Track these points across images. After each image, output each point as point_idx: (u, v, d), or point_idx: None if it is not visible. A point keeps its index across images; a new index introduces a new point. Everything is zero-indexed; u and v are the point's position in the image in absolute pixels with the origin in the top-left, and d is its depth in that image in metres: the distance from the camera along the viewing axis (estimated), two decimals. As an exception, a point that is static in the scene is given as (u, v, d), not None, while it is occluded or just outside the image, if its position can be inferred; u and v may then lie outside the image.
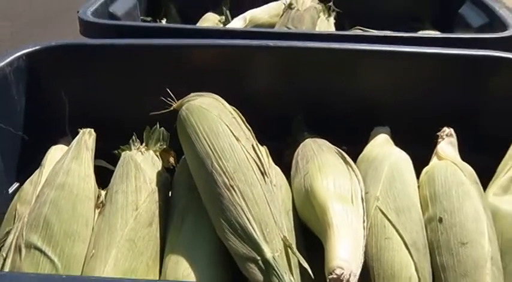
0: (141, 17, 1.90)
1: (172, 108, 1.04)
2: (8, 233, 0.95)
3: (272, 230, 0.84)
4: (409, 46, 1.26)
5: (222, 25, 1.93)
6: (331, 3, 1.91)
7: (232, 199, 0.86)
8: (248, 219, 0.84)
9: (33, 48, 1.22)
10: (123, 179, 1.01)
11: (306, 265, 0.82)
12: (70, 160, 1.04)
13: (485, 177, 1.09)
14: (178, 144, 1.04)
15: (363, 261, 0.82)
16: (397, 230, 0.92)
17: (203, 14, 2.00)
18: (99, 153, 1.13)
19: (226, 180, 0.88)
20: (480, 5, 1.66)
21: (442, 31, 1.82)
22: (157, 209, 0.97)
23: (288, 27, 1.65)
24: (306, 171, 0.98)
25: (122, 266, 0.87)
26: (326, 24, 1.83)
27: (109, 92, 1.28)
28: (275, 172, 1.03)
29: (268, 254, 0.81)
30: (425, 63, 1.26)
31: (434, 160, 1.10)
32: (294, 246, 0.85)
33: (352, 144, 1.13)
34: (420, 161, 1.10)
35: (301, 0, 1.77)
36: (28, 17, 5.38)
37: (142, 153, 1.09)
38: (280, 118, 1.25)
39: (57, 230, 0.91)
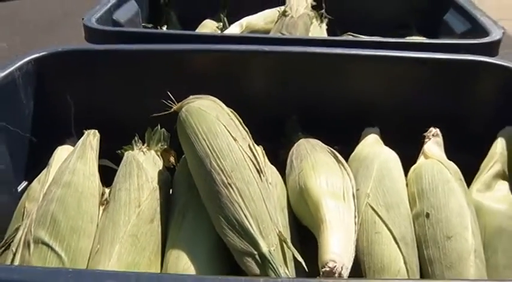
0: (143, 24, 1.89)
1: (172, 110, 1.03)
2: (17, 229, 0.95)
3: (268, 226, 0.84)
4: (397, 51, 1.26)
5: (219, 31, 1.92)
6: (323, 11, 1.90)
7: (230, 196, 0.86)
8: (245, 216, 0.84)
9: (41, 54, 1.22)
10: (126, 177, 1.00)
11: (300, 259, 0.82)
12: (76, 160, 1.04)
13: (469, 174, 1.10)
14: (178, 145, 1.03)
15: (354, 254, 0.82)
16: (386, 225, 0.92)
17: (202, 21, 1.99)
18: (103, 153, 1.13)
19: (224, 178, 0.88)
20: (463, 13, 1.67)
21: (428, 37, 1.82)
22: (159, 206, 0.97)
23: (282, 33, 1.64)
24: (300, 170, 0.98)
25: (125, 260, 0.87)
26: (318, 31, 1.82)
27: (112, 94, 1.28)
28: (271, 171, 1.03)
29: (265, 249, 0.81)
30: (412, 67, 1.26)
31: (421, 159, 1.10)
32: (288, 241, 0.85)
33: (344, 144, 1.14)
34: (408, 160, 1.10)
35: (295, 7, 1.76)
36: (34, 22, 5.37)
37: (144, 153, 1.08)
38: (275, 119, 1.24)
39: (63, 226, 0.91)
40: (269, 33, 1.73)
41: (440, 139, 1.13)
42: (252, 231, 0.82)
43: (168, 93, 1.04)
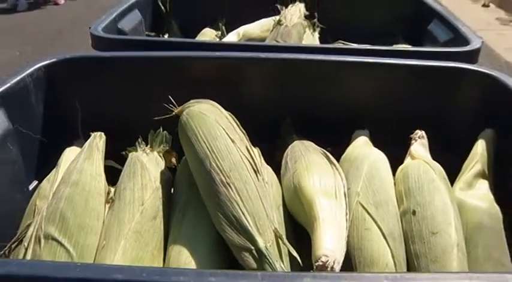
0: (146, 32, 1.88)
1: (173, 114, 1.03)
2: (28, 225, 0.95)
3: (264, 223, 0.83)
4: (385, 58, 1.26)
5: (218, 39, 1.92)
6: (315, 20, 1.90)
7: (229, 195, 0.85)
8: (243, 213, 0.83)
9: (51, 60, 1.21)
10: (130, 177, 1.00)
11: (295, 254, 0.82)
12: (83, 160, 1.03)
13: (453, 173, 1.10)
14: (179, 146, 1.03)
15: (345, 250, 0.82)
16: (375, 222, 0.92)
17: (201, 29, 1.99)
18: (108, 154, 1.12)
19: (223, 178, 0.87)
20: (445, 23, 1.66)
21: (413, 45, 1.81)
22: (161, 204, 0.96)
23: (277, 41, 1.64)
24: (294, 170, 0.98)
25: (129, 255, 0.86)
26: (311, 39, 1.82)
27: (117, 99, 1.27)
28: (267, 171, 1.02)
29: (261, 244, 0.80)
30: (399, 73, 1.25)
31: (408, 159, 1.09)
32: (284, 237, 0.84)
33: (336, 146, 1.13)
34: (396, 160, 1.10)
35: (289, 17, 1.76)
36: (44, 31, 5.36)
37: (147, 154, 1.08)
38: (271, 122, 1.24)
39: (72, 223, 0.90)
40: (265, 41, 1.73)
41: (425, 141, 1.13)
42: (249, 227, 0.82)
43: (170, 97, 1.03)
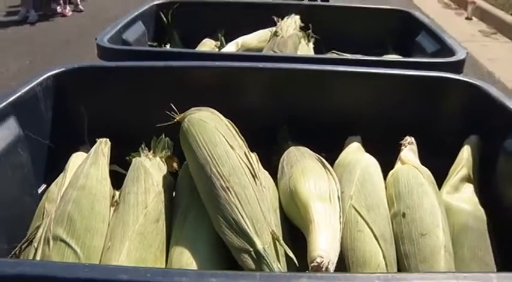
0: (149, 43, 1.88)
1: (175, 121, 1.03)
2: (38, 227, 0.94)
3: (262, 225, 0.83)
4: (376, 68, 1.26)
5: (217, 49, 1.91)
6: (310, 31, 1.90)
7: (228, 199, 0.85)
8: (242, 216, 0.83)
9: (59, 70, 1.21)
10: (134, 181, 0.99)
11: (291, 255, 0.81)
12: (89, 165, 1.03)
13: (440, 177, 1.10)
14: (181, 152, 1.02)
15: (339, 251, 0.82)
16: (367, 224, 0.92)
17: (202, 40, 1.98)
18: (112, 159, 1.11)
19: (222, 182, 0.87)
20: (432, 35, 1.67)
21: (402, 55, 1.82)
22: (164, 208, 0.96)
23: (274, 51, 1.64)
24: (290, 175, 0.97)
25: (133, 257, 0.86)
26: (306, 49, 1.82)
27: (122, 106, 1.27)
28: (264, 176, 1.02)
29: (259, 246, 0.80)
30: (389, 82, 1.25)
31: (398, 164, 1.09)
32: (281, 239, 0.84)
33: (330, 151, 1.13)
34: (387, 165, 1.09)
35: (285, 28, 1.75)
36: (53, 41, 5.35)
37: (150, 160, 1.07)
38: (268, 128, 1.23)
39: (79, 225, 0.90)
40: (262, 51, 1.72)
41: (415, 147, 1.13)
42: (248, 230, 0.82)
43: (172, 105, 1.03)
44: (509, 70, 4.64)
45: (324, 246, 0.78)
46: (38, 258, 0.86)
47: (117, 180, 1.07)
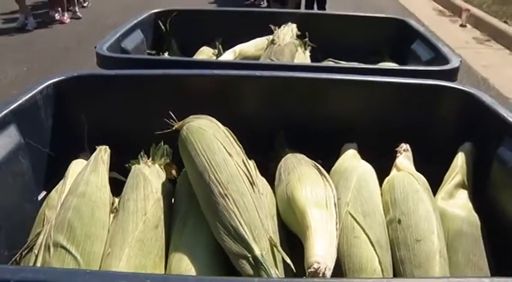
0: (147, 51, 1.89)
1: (174, 128, 1.03)
2: (38, 233, 0.95)
3: (260, 232, 0.84)
4: (372, 76, 1.27)
5: (215, 57, 1.91)
6: (306, 39, 1.91)
7: (226, 206, 0.86)
8: (240, 223, 0.84)
9: (59, 78, 1.22)
10: (134, 188, 1.00)
11: (289, 261, 0.82)
12: (89, 173, 1.03)
13: (435, 183, 1.11)
14: (179, 159, 1.03)
15: (336, 257, 0.82)
16: (364, 230, 0.93)
17: (200, 48, 1.99)
18: (112, 166, 1.12)
19: (221, 189, 0.88)
20: (427, 43, 1.68)
21: (398, 63, 1.83)
22: (163, 214, 0.97)
23: (271, 59, 1.64)
24: (287, 182, 0.98)
25: (133, 263, 0.86)
26: (303, 57, 1.83)
27: (121, 114, 1.27)
28: (262, 182, 1.02)
29: (257, 252, 0.81)
30: (385, 90, 1.26)
31: (394, 171, 1.10)
32: (278, 245, 0.85)
33: (326, 158, 1.14)
34: (382, 172, 1.10)
35: (282, 36, 1.76)
36: (51, 48, 5.35)
37: (149, 167, 1.08)
38: (265, 136, 1.24)
39: (79, 231, 0.90)
40: (259, 59, 1.73)
41: (410, 154, 1.14)
42: (246, 236, 0.82)
43: (170, 113, 1.04)
44: (502, 76, 4.67)
45: (321, 252, 0.79)
46: (38, 264, 0.87)
47: (117, 187, 1.07)
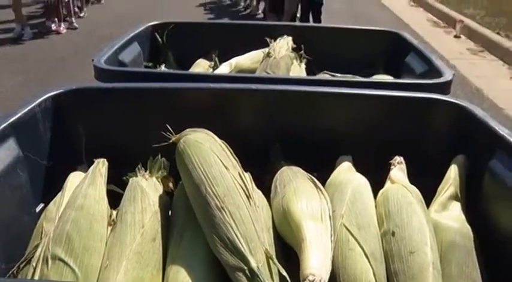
0: (144, 63, 1.90)
1: (171, 141, 1.05)
2: (36, 246, 0.96)
3: (256, 244, 0.85)
4: (366, 89, 1.29)
5: (211, 70, 1.93)
6: (302, 52, 1.93)
7: (223, 219, 0.87)
8: (236, 236, 0.85)
9: (58, 91, 1.23)
10: (131, 201, 1.01)
11: (284, 273, 0.83)
12: (87, 186, 1.05)
13: (429, 195, 1.12)
14: (176, 171, 1.04)
15: (331, 269, 0.83)
16: (358, 243, 0.94)
17: (196, 60, 2.01)
18: (110, 179, 1.13)
19: (217, 202, 0.89)
20: (421, 56, 1.71)
21: (392, 75, 1.85)
22: (160, 227, 0.98)
23: (267, 72, 1.66)
24: (283, 195, 1.00)
25: (131, 275, 0.87)
26: (298, 69, 1.85)
27: (119, 127, 1.29)
28: (258, 195, 1.04)
29: (253, 264, 0.82)
30: (380, 103, 1.28)
31: (388, 184, 1.12)
32: (274, 257, 0.86)
33: (321, 170, 1.15)
34: (377, 184, 1.12)
35: (278, 49, 1.78)
36: (47, 59, 5.36)
37: (146, 180, 1.09)
38: (261, 148, 1.26)
39: (77, 244, 0.91)
40: (255, 72, 1.75)
41: (404, 166, 1.16)
42: (242, 249, 0.83)
43: (167, 126, 1.05)
44: (496, 87, 4.72)
45: (316, 264, 0.80)
46: (36, 277, 0.87)
47: (114, 199, 1.08)
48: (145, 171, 1.12)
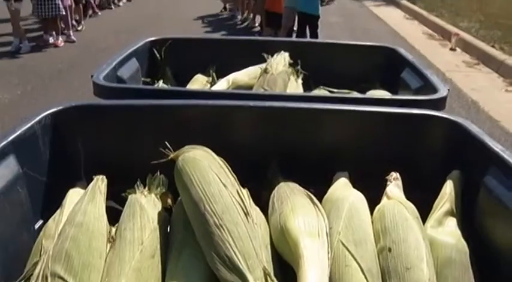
0: (142, 79, 1.92)
1: (169, 158, 1.06)
2: (35, 263, 0.96)
3: (254, 262, 0.86)
4: (363, 105, 1.31)
5: (209, 85, 1.95)
6: (299, 67, 1.95)
7: (221, 236, 0.88)
8: (234, 253, 0.86)
9: (57, 108, 1.25)
10: (130, 218, 1.02)
11: (282, 290, 0.85)
12: (87, 203, 1.05)
13: (425, 210, 1.13)
14: (175, 187, 1.05)
15: (328, 285, 0.85)
16: (355, 259, 0.95)
17: (194, 75, 2.02)
18: (109, 195, 1.14)
19: (216, 220, 0.90)
20: (416, 72, 1.73)
21: (388, 90, 1.86)
22: (159, 244, 0.98)
23: (264, 89, 1.68)
24: (280, 211, 1.01)
25: (130, 292, 0.88)
26: (295, 85, 1.86)
27: (117, 143, 1.30)
28: (255, 212, 1.05)
29: (252, 281, 0.83)
30: (375, 119, 1.30)
31: (384, 200, 1.13)
32: (272, 274, 0.87)
33: (318, 186, 1.16)
34: (373, 200, 1.13)
35: (275, 65, 1.80)
36: (44, 72, 5.38)
37: (145, 196, 1.10)
38: (259, 163, 1.27)
39: (76, 262, 0.92)
40: (252, 88, 1.76)
41: (400, 182, 1.17)
42: (240, 266, 0.84)
43: (166, 142, 1.07)
44: (491, 100, 4.76)
45: (313, 280, 0.81)
46: None
47: (113, 214, 1.09)
48: (144, 188, 1.13)
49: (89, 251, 0.95)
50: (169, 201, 1.13)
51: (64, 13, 6.68)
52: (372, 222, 1.07)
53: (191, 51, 2.09)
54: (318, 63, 1.98)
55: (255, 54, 1.94)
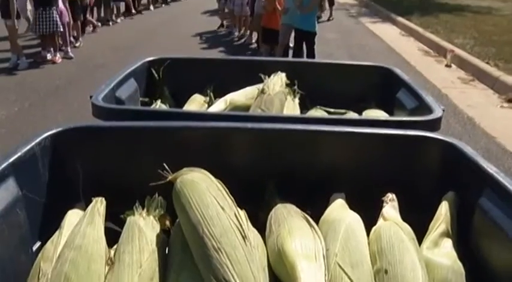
0: (141, 99, 1.93)
1: (168, 180, 1.07)
2: (34, 287, 0.97)
3: (252, 285, 0.87)
4: (358, 127, 1.33)
5: (206, 105, 1.96)
6: (295, 87, 1.96)
7: (220, 259, 0.89)
8: (232, 276, 0.87)
9: (57, 130, 1.26)
10: (129, 241, 1.03)
11: (279, 313, 0.85)
12: (86, 225, 1.06)
13: (421, 231, 1.14)
14: (173, 208, 1.06)
15: (325, 308, 0.86)
16: (352, 281, 0.95)
17: (191, 94, 2.04)
18: (108, 216, 1.15)
19: (214, 243, 0.91)
20: (412, 92, 1.75)
21: (384, 110, 1.89)
22: (157, 266, 0.99)
23: (261, 109, 1.69)
24: (278, 234, 1.02)
25: (129, 316, 0.89)
26: (292, 105, 1.87)
27: (116, 165, 1.31)
28: (253, 234, 1.06)
29: (249, 305, 0.84)
30: (372, 140, 1.32)
31: (380, 221, 1.14)
32: (269, 297, 0.88)
33: (315, 207, 1.18)
34: (370, 221, 1.14)
35: (272, 86, 1.81)
36: (41, 89, 5.40)
37: (144, 219, 1.11)
38: (256, 186, 1.28)
39: (75, 286, 0.93)
40: (250, 109, 1.77)
41: (396, 203, 1.18)
42: (238, 289, 0.85)
43: (164, 164, 1.08)
44: (487, 116, 4.79)
45: (311, 304, 0.82)
46: None
47: (111, 235, 1.10)
48: (143, 210, 1.14)
49: (88, 274, 0.96)
50: (167, 223, 1.14)
51: (62, 29, 6.71)
52: (369, 244, 1.08)
53: (189, 71, 2.10)
54: (315, 83, 2.00)
55: (253, 74, 1.95)
